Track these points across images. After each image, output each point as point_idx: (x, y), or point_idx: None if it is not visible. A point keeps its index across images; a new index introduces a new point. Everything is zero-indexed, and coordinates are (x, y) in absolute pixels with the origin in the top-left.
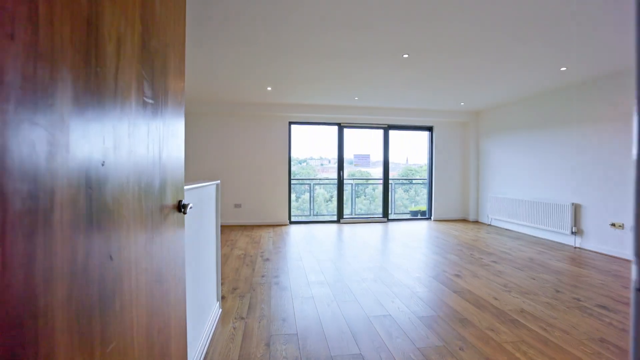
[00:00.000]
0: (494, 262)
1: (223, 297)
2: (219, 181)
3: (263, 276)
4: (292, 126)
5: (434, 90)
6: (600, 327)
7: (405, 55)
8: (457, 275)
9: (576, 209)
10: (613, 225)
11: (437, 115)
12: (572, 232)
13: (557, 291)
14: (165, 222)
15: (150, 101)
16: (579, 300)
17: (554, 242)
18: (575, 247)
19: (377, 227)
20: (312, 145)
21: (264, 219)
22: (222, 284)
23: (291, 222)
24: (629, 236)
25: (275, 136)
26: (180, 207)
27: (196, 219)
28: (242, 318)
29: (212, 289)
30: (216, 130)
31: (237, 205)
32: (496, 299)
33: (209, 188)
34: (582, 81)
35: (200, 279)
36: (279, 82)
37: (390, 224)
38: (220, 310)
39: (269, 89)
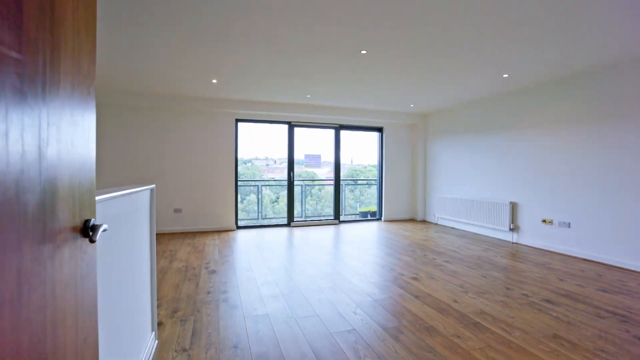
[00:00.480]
0: (447, 261)
1: (160, 324)
2: (153, 185)
3: (209, 292)
4: (239, 124)
5: (388, 90)
6: (550, 322)
7: (364, 52)
8: (415, 278)
9: (513, 207)
10: (544, 221)
11: (387, 116)
12: (510, 229)
13: (507, 288)
14: (57, 256)
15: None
16: (527, 296)
17: (494, 238)
18: (513, 243)
19: (330, 230)
20: (258, 145)
21: (208, 224)
22: (158, 306)
23: (238, 227)
24: (557, 230)
25: (220, 134)
26: (87, 231)
27: (121, 235)
28: (185, 350)
29: (145, 317)
30: (153, 126)
31: (177, 210)
32: (456, 301)
33: (140, 195)
34: (522, 88)
35: (127, 310)
36: (224, 75)
37: (342, 225)
38: (157, 341)
39: (214, 81)
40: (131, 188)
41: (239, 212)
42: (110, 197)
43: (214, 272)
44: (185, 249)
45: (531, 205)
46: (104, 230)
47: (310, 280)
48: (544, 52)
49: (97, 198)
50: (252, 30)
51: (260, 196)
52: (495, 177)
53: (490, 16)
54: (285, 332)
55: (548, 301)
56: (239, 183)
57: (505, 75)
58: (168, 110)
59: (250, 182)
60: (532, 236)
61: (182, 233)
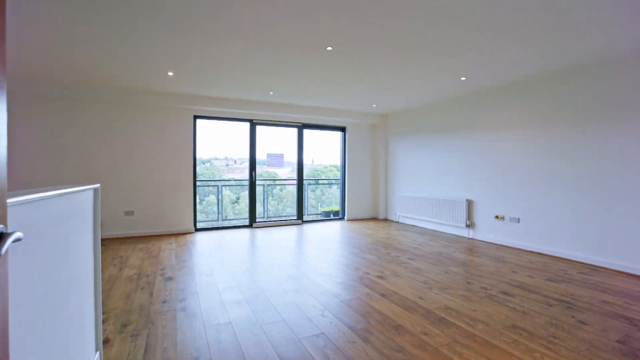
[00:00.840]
0: (410, 259)
1: (107, 342)
2: (97, 185)
3: (165, 302)
4: (198, 121)
5: (352, 89)
6: (509, 313)
7: (329, 48)
8: (381, 277)
9: (469, 204)
10: (497, 217)
11: (350, 116)
12: (467, 225)
13: (468, 282)
14: None
15: None
16: (486, 289)
17: (452, 235)
18: (469, 239)
19: (293, 230)
20: (218, 144)
21: (164, 227)
22: (104, 321)
23: (197, 230)
24: (508, 225)
25: (177, 131)
26: None
27: (52, 242)
28: None
29: (87, 335)
30: (101, 121)
31: (129, 213)
32: (421, 298)
33: (79, 196)
34: (479, 90)
35: (59, 331)
36: (182, 68)
37: (306, 225)
38: None
39: (170, 74)
40: (66, 188)
41: (197, 213)
42: (31, 199)
43: (170, 278)
44: (137, 254)
45: (485, 203)
46: (17, 239)
47: (275, 283)
48: (498, 58)
49: (8, 201)
50: (211, 19)
51: (220, 197)
52: (453, 176)
53: (447, 20)
54: (250, 340)
55: (505, 293)
56: (198, 183)
57: (463, 78)
58: (118, 103)
59: (209, 182)
60: (486, 231)
61: (134, 237)
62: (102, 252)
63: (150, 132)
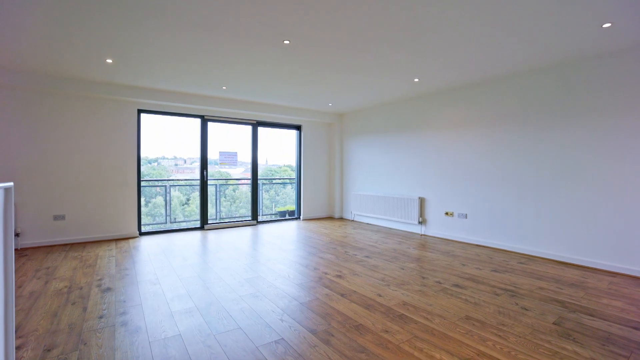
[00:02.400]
0: (367, 257)
1: None
2: (10, 184)
3: (101, 317)
4: (143, 115)
5: (308, 87)
6: (462, 305)
7: (287, 42)
8: (339, 276)
9: (422, 202)
10: (447, 213)
11: (306, 114)
12: (419, 222)
13: (423, 277)
14: None
15: None
16: (440, 283)
17: (406, 231)
18: (421, 235)
19: (247, 231)
20: (166, 141)
21: (102, 232)
22: (21, 346)
23: (142, 234)
24: (457, 221)
25: (118, 125)
26: None
27: None
28: None
29: None
30: (23, 113)
31: (59, 217)
32: (380, 295)
33: None
34: (431, 92)
35: None
36: (121, 54)
37: (261, 226)
38: None
39: (109, 61)
40: None
41: (142, 216)
42: None
43: (109, 289)
44: (69, 264)
45: (436, 200)
46: None
47: (230, 288)
48: (448, 62)
49: None
50: (154, 2)
51: (168, 198)
52: (406, 175)
53: (398, 23)
54: (204, 353)
55: (457, 286)
56: (143, 184)
57: (415, 80)
58: (49, 93)
59: (156, 182)
60: (437, 227)
61: (65, 245)
62: (23, 264)
63: (86, 126)
